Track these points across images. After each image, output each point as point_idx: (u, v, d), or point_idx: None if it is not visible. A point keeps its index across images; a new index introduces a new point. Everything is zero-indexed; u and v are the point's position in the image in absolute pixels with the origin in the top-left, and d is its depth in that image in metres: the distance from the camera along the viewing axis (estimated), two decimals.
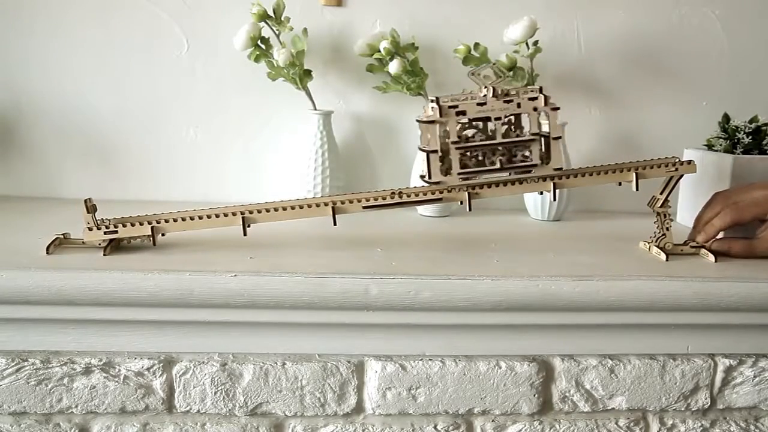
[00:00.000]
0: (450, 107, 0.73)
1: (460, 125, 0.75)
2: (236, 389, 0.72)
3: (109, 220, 0.75)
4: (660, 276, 0.71)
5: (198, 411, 0.73)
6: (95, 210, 0.73)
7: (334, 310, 0.69)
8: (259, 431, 0.74)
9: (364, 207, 0.76)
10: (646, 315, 0.73)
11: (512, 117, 0.76)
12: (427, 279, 0.68)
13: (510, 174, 0.76)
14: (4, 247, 0.74)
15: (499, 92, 0.74)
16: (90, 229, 0.73)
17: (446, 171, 0.75)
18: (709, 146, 0.98)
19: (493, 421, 0.76)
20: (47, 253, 0.71)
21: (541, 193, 0.97)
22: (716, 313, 0.73)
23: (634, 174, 0.78)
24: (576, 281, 0.70)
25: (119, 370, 0.71)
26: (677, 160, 0.79)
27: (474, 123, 0.76)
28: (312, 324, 0.71)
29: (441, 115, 0.73)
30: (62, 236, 0.75)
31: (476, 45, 0.99)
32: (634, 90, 1.10)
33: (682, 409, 0.78)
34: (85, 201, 0.73)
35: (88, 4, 1.02)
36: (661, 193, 0.80)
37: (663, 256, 0.78)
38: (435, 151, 0.74)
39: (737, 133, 0.92)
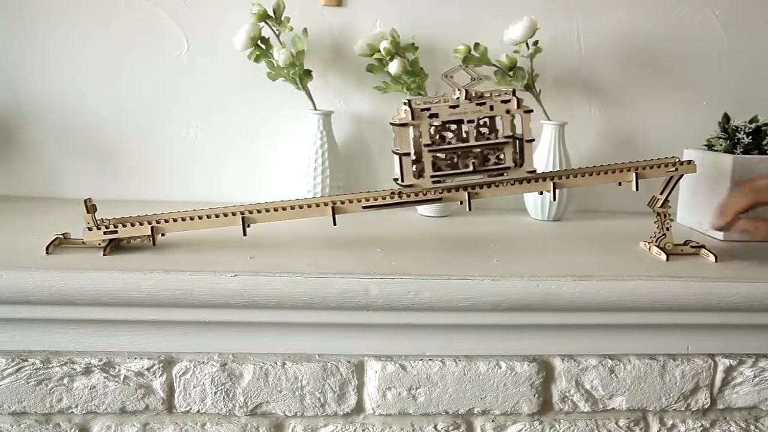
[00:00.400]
0: (422, 110, 0.73)
1: (433, 128, 0.74)
2: (236, 389, 0.72)
3: (109, 220, 0.75)
4: (660, 276, 0.71)
5: (198, 411, 0.73)
6: (95, 210, 0.73)
7: (334, 310, 0.69)
8: (259, 431, 0.74)
9: (364, 207, 0.76)
10: (646, 315, 0.73)
11: (487, 120, 0.75)
12: (427, 279, 0.68)
13: (483, 177, 0.76)
14: (4, 247, 0.74)
15: (473, 95, 0.74)
16: (90, 229, 0.73)
17: (419, 174, 0.75)
18: (709, 146, 0.98)
19: (493, 421, 0.76)
20: (47, 253, 0.71)
21: (541, 193, 0.97)
22: (716, 313, 0.73)
23: (634, 174, 0.78)
24: (576, 281, 0.70)
25: (119, 370, 0.71)
26: (677, 160, 0.79)
27: (448, 126, 0.76)
28: (312, 324, 0.71)
29: (413, 118, 0.73)
30: (62, 236, 0.75)
31: (476, 45, 0.99)
32: (634, 90, 1.11)
33: (682, 409, 0.78)
34: (85, 201, 0.73)
35: (88, 4, 1.02)
36: (661, 193, 0.80)
37: (663, 256, 0.78)
38: (407, 154, 0.74)
39: (737, 133, 0.92)
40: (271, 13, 0.97)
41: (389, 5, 1.05)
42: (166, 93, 1.05)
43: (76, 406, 0.71)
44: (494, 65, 0.99)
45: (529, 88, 1.00)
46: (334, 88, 1.07)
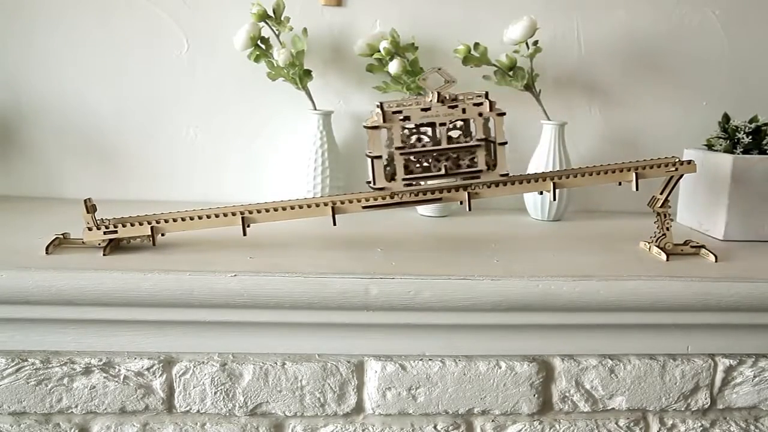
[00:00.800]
0: (394, 113, 0.72)
1: (406, 130, 0.74)
2: (236, 389, 0.72)
3: (109, 220, 0.75)
4: (660, 276, 0.71)
5: (198, 411, 0.73)
6: (95, 210, 0.73)
7: (334, 310, 0.69)
8: (259, 431, 0.74)
9: (364, 207, 0.76)
10: (646, 315, 0.73)
11: (461, 123, 0.75)
12: (427, 279, 0.68)
13: (456, 180, 0.75)
14: (4, 247, 0.74)
15: (446, 97, 0.73)
16: (90, 229, 0.73)
17: (391, 176, 0.74)
18: (709, 146, 0.98)
19: (493, 421, 0.76)
20: (47, 253, 0.71)
21: (541, 193, 0.97)
22: (716, 313, 0.73)
23: (634, 174, 0.78)
24: (576, 281, 0.70)
25: (119, 370, 0.71)
26: (677, 160, 0.79)
27: (423, 129, 0.75)
28: (312, 324, 0.71)
29: (384, 121, 0.73)
30: (62, 236, 0.75)
31: (476, 45, 0.99)
32: (635, 90, 1.10)
33: (682, 409, 0.78)
34: (85, 201, 0.73)
35: (88, 4, 1.02)
36: (661, 193, 0.80)
37: (663, 256, 0.78)
38: (379, 157, 0.73)
39: (737, 133, 0.92)
40: (271, 13, 0.97)
41: (389, 5, 1.05)
42: (166, 93, 1.05)
43: (76, 406, 0.71)
44: (494, 65, 0.99)
45: (529, 88, 1.00)
46: (334, 88, 1.07)
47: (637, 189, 0.78)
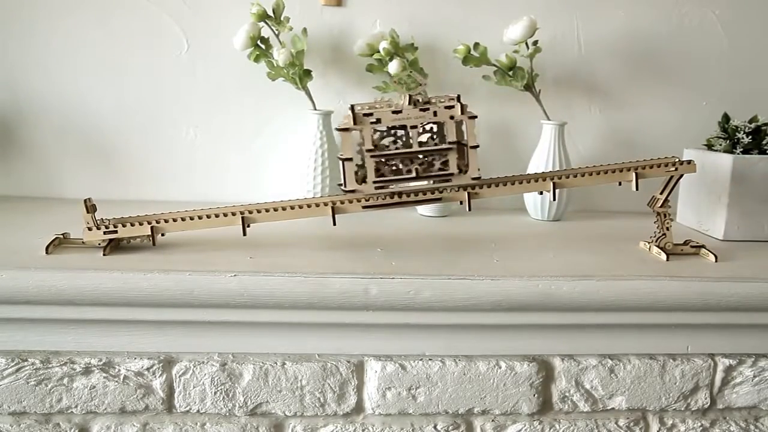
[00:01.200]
0: (365, 115, 0.72)
1: (378, 133, 0.74)
2: (236, 389, 0.72)
3: (109, 220, 0.75)
4: (660, 276, 0.71)
5: (198, 411, 0.73)
6: (95, 210, 0.73)
7: (334, 310, 0.69)
8: (259, 431, 0.74)
9: (364, 207, 0.75)
10: (646, 315, 0.73)
11: (434, 126, 0.75)
12: (427, 279, 0.68)
13: (428, 183, 0.75)
14: (4, 247, 0.74)
15: (417, 100, 0.73)
16: (90, 229, 0.73)
17: (363, 179, 0.74)
18: (709, 146, 0.98)
19: (492, 421, 0.76)
20: (47, 253, 0.71)
21: (541, 193, 0.97)
22: (716, 313, 0.73)
23: (634, 174, 0.78)
24: (576, 281, 0.70)
25: (119, 370, 0.71)
26: (677, 160, 0.79)
27: (394, 131, 0.75)
28: (312, 324, 0.71)
29: (355, 123, 0.72)
30: (62, 236, 0.75)
31: (476, 45, 0.99)
32: (635, 90, 1.10)
33: (682, 408, 0.78)
34: (85, 201, 0.73)
35: (88, 4, 1.02)
36: (661, 193, 0.80)
37: (663, 256, 0.78)
38: (350, 159, 0.73)
39: (737, 133, 0.92)
40: (270, 13, 0.97)
41: (389, 5, 1.05)
42: (166, 93, 1.05)
43: (76, 406, 0.71)
44: (494, 65, 0.99)
45: (529, 88, 1.00)
46: (334, 88, 1.07)
47: (637, 189, 0.78)
